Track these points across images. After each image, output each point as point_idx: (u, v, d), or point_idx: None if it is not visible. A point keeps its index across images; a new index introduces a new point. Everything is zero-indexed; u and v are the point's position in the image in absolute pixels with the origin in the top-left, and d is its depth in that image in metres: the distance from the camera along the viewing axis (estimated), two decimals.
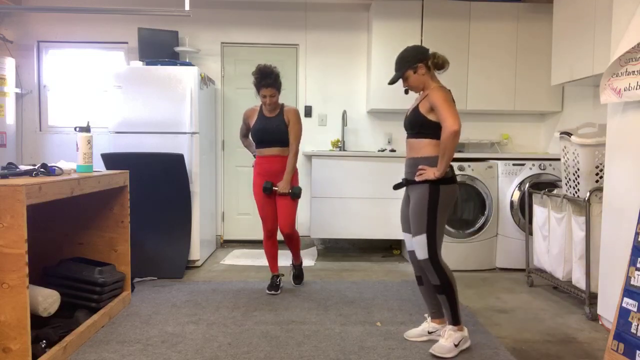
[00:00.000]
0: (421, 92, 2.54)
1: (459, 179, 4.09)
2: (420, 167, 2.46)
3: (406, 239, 2.67)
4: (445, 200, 2.44)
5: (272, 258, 3.58)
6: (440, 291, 2.48)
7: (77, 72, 4.96)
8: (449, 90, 2.46)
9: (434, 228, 2.43)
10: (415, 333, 2.68)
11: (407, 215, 2.61)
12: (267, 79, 3.29)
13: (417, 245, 2.47)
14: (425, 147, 2.47)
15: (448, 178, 2.43)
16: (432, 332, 2.65)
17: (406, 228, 2.65)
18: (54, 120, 4.97)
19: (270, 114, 3.43)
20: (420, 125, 2.46)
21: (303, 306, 3.21)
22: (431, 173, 2.40)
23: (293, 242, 3.55)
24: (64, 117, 4.95)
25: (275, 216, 3.49)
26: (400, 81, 2.55)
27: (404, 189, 2.63)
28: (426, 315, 2.75)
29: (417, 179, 2.45)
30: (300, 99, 5.06)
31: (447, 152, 2.34)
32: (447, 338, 2.47)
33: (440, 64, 2.49)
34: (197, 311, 3.08)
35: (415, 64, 2.47)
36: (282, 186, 3.39)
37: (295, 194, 3.43)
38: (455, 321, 2.49)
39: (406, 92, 2.59)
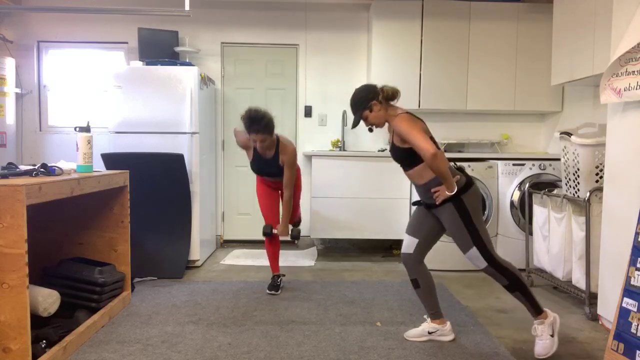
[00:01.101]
0: (388, 125, 2.57)
1: None
2: (432, 190, 2.45)
3: (407, 241, 2.65)
4: (473, 204, 2.45)
5: (273, 258, 3.56)
6: (511, 289, 2.47)
7: (77, 72, 4.96)
8: (408, 113, 2.47)
9: (479, 236, 2.43)
10: (416, 333, 2.68)
11: (422, 221, 2.62)
12: (256, 126, 3.17)
13: (473, 258, 2.46)
14: (423, 173, 2.49)
15: (463, 185, 2.43)
16: (432, 332, 2.65)
17: (414, 232, 2.63)
18: (54, 120, 4.97)
19: (266, 154, 3.36)
20: (405, 158, 2.50)
21: (303, 306, 3.20)
22: (445, 192, 2.40)
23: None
24: (64, 117, 4.95)
25: (278, 214, 3.48)
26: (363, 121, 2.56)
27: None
28: (425, 316, 2.75)
29: (437, 202, 2.44)
30: (300, 99, 5.06)
31: (441, 172, 2.35)
32: (542, 334, 2.46)
33: (390, 95, 2.51)
34: (197, 311, 3.08)
35: (368, 103, 2.48)
36: (280, 231, 3.41)
37: (294, 237, 3.49)
38: (538, 311, 2.49)
39: (370, 130, 2.60)
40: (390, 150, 2.58)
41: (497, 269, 2.44)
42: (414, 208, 2.76)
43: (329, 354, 2.48)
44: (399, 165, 2.60)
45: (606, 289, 2.83)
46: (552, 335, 2.46)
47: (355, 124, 2.54)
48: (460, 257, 4.12)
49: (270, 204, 3.51)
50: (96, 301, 2.85)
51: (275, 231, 3.40)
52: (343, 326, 2.86)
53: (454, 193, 2.38)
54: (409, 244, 2.64)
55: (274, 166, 3.37)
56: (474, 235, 2.43)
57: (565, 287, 3.34)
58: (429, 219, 2.60)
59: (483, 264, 2.44)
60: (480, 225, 2.44)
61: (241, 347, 2.55)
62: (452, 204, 2.42)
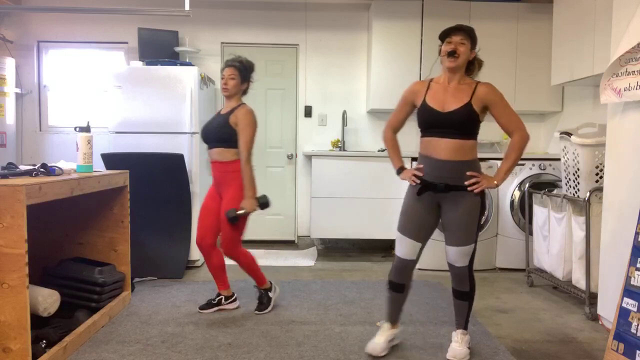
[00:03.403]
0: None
1: None
2: (470, 173, 2.30)
3: (411, 248, 2.39)
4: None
5: (214, 277, 3.14)
6: (465, 297, 2.42)
7: (77, 72, 4.96)
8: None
9: (477, 236, 2.40)
10: (381, 347, 2.45)
11: (425, 221, 2.39)
12: (232, 60, 3.02)
13: (463, 254, 2.35)
14: (472, 150, 2.33)
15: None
16: (391, 340, 2.52)
17: (418, 235, 2.39)
18: (54, 120, 4.97)
19: (225, 110, 3.03)
20: (468, 125, 2.29)
21: (303, 306, 3.20)
22: (492, 182, 2.33)
23: (241, 266, 3.06)
24: (64, 117, 4.95)
25: (207, 229, 3.05)
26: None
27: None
28: (383, 323, 2.57)
29: (475, 189, 2.30)
30: (300, 99, 5.06)
31: (518, 158, 2.34)
32: (462, 343, 2.44)
33: (479, 66, 2.48)
34: (197, 311, 3.08)
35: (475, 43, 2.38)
36: (247, 205, 2.92)
37: (263, 204, 3.01)
38: (466, 326, 2.48)
39: (452, 54, 2.29)
40: (456, 110, 2.27)
41: (470, 274, 2.40)
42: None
43: (329, 354, 2.48)
44: (448, 130, 2.27)
45: (606, 289, 2.83)
46: (469, 348, 2.46)
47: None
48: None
49: (206, 214, 3.07)
50: (96, 301, 2.85)
51: (241, 211, 2.91)
52: (343, 326, 2.86)
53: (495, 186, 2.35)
54: (412, 250, 2.40)
55: (219, 121, 2.99)
56: (476, 235, 2.39)
57: (565, 287, 3.34)
58: (432, 216, 2.40)
59: (465, 262, 2.37)
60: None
61: (241, 347, 2.55)
62: (480, 197, 2.34)
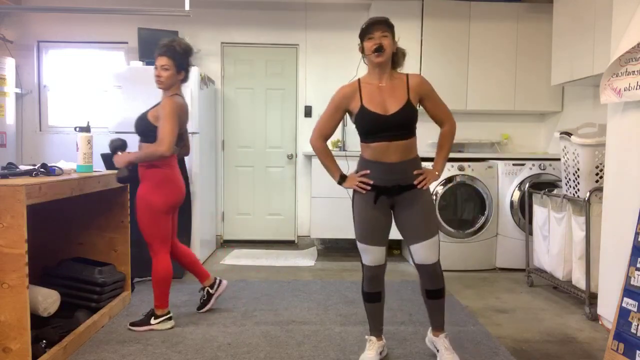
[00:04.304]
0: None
1: (459, 179, 4.10)
2: (417, 172, 2.27)
3: (380, 254, 2.31)
4: None
5: (193, 273, 3.04)
6: (441, 295, 2.34)
7: (77, 72, 4.96)
8: None
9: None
10: None
11: (384, 224, 2.31)
12: (166, 48, 2.66)
13: (432, 248, 2.26)
14: (415, 146, 2.30)
15: None
16: (381, 352, 2.43)
17: (380, 240, 2.31)
18: (54, 120, 4.97)
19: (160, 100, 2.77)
20: (413, 123, 2.26)
21: (303, 306, 3.20)
22: (434, 175, 2.31)
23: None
24: (64, 117, 4.95)
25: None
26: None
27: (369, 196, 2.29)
28: (371, 337, 2.44)
29: (424, 185, 2.26)
30: (300, 99, 5.06)
31: (451, 144, 2.34)
32: (451, 347, 2.34)
33: (402, 56, 2.40)
34: (197, 311, 3.07)
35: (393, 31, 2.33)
36: (120, 159, 2.69)
37: (120, 178, 2.73)
38: (442, 326, 2.40)
39: (378, 50, 2.21)
40: (399, 111, 2.21)
41: (440, 268, 2.31)
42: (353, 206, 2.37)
43: (329, 354, 2.48)
44: (395, 132, 2.21)
45: (606, 289, 2.83)
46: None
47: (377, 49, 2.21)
48: (460, 258, 4.14)
49: (171, 225, 2.88)
50: (96, 301, 2.85)
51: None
52: (343, 326, 2.86)
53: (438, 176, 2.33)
54: (381, 255, 2.32)
55: (138, 118, 2.77)
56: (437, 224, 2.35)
57: (565, 287, 3.34)
58: (388, 218, 2.33)
59: (436, 257, 2.27)
60: None
61: (241, 347, 2.55)
62: (428, 187, 2.32)
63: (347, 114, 2.34)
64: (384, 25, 2.22)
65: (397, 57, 2.33)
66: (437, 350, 2.37)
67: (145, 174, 2.74)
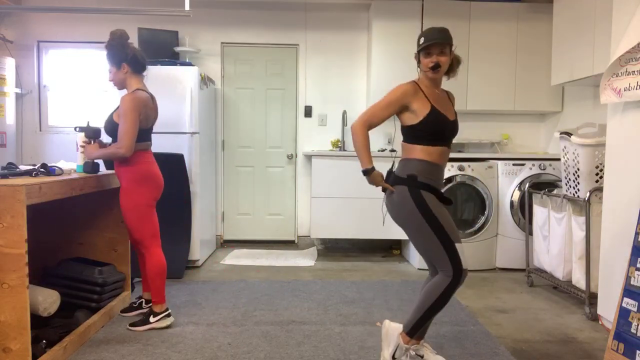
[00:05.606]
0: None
1: (459, 179, 4.10)
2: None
3: (460, 250, 2.22)
4: None
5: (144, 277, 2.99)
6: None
7: (77, 72, 4.96)
8: None
9: None
10: None
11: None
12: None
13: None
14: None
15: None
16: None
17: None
18: (54, 120, 4.97)
19: None
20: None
21: (303, 306, 3.20)
22: None
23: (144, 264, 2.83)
24: (64, 117, 4.95)
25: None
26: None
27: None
28: (425, 343, 2.34)
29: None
30: (300, 99, 5.06)
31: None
32: (434, 352, 2.30)
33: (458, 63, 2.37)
34: (197, 311, 3.08)
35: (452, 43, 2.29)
36: (88, 150, 2.69)
37: (87, 171, 2.72)
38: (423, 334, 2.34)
39: (435, 67, 2.22)
40: (456, 119, 2.30)
41: None
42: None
43: (329, 354, 2.48)
44: (451, 138, 2.29)
45: (606, 289, 2.83)
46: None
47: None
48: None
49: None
50: (96, 301, 2.85)
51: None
52: (343, 326, 2.86)
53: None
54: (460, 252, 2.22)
55: (106, 120, 2.74)
56: None
57: (565, 287, 3.34)
58: None
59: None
60: None
61: (241, 347, 2.55)
62: None
63: (395, 114, 2.29)
64: (443, 42, 2.20)
65: (453, 65, 2.32)
66: (422, 356, 2.29)
67: (123, 173, 2.72)
